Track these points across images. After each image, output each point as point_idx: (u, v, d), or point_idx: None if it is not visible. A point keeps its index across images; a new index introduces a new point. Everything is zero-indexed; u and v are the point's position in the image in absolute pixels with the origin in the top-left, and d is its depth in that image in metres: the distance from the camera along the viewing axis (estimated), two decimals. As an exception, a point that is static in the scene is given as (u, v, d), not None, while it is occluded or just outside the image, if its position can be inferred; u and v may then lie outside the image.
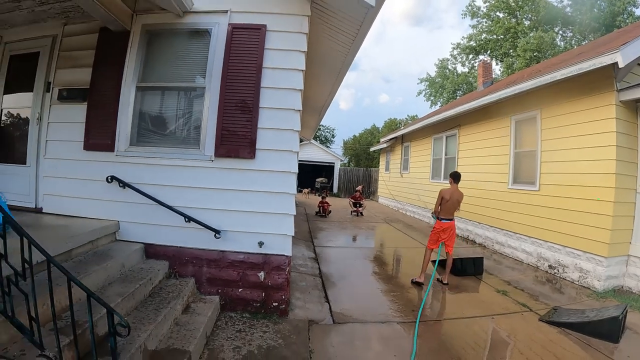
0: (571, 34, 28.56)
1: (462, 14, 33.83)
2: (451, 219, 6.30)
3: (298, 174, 4.59)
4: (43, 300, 2.46)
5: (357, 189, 17.12)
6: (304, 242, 9.02)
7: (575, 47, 22.58)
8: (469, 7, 32.84)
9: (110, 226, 4.49)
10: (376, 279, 6.54)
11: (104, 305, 2.26)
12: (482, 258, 7.21)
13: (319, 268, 6.77)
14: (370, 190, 26.69)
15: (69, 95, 4.86)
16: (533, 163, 8.00)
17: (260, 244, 4.47)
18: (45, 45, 5.12)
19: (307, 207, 17.10)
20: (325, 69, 7.31)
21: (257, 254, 4.51)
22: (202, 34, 4.73)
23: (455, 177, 6.52)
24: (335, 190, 28.98)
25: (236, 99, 4.45)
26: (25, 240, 2.33)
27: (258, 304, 4.52)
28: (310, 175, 28.90)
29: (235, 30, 4.54)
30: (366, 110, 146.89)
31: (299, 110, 4.57)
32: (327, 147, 40.14)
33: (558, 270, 7.06)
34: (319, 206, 14.87)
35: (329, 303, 5.11)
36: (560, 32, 29.24)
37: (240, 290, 4.52)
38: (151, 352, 3.09)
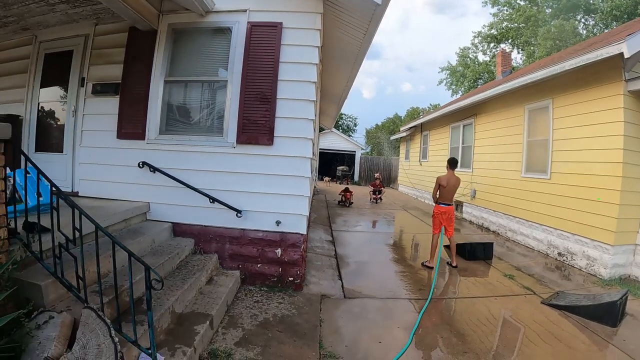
0: (593, 22, 27.94)
1: (483, 2, 33.24)
2: (449, 204, 6.55)
3: (319, 162, 4.92)
4: (87, 267, 2.87)
5: (375, 176, 17.26)
6: (323, 226, 9.41)
7: (598, 35, 22.17)
8: (490, -5, 32.37)
9: (141, 207, 4.94)
10: (389, 261, 6.89)
11: (142, 263, 2.64)
12: (492, 243, 7.41)
13: (335, 250, 7.15)
14: (390, 179, 26.81)
15: (102, 90, 5.31)
16: (545, 152, 8.08)
17: (278, 222, 4.88)
18: (78, 44, 5.56)
19: (327, 194, 17.47)
20: (340, 60, 7.63)
21: (274, 232, 4.92)
22: (223, 32, 5.11)
23: (452, 163, 6.73)
24: (356, 178, 29.17)
25: (256, 90, 4.85)
26: (76, 212, 2.76)
27: (275, 279, 4.94)
28: (332, 164, 29.19)
29: (254, 28, 4.91)
30: (389, 99, 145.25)
31: (313, 101, 4.94)
32: (349, 135, 40.23)
33: (567, 258, 7.16)
34: (340, 195, 14.38)
35: (341, 280, 5.49)
36: (583, 20, 28.65)
37: (259, 265, 4.95)
38: (178, 314, 3.53)
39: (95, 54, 5.48)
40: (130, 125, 5.13)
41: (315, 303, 4.59)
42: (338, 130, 34.42)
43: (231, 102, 4.93)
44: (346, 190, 14.36)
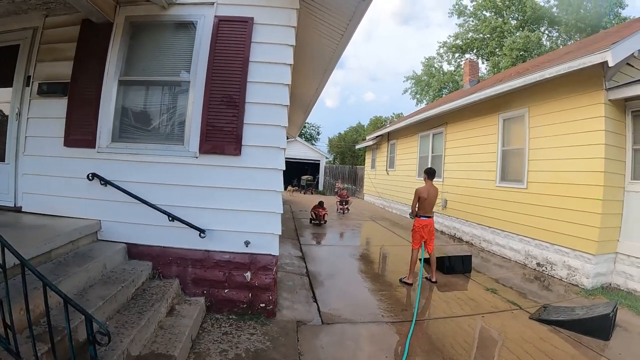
0: (557, 34, 28.78)
1: (449, 13, 33.80)
2: (430, 216, 6.22)
3: (283, 171, 4.45)
4: (19, 306, 2.34)
5: (337, 185, 16.74)
6: (290, 240, 8.91)
7: (561, 47, 22.78)
8: (456, 6, 32.81)
9: (91, 225, 4.32)
10: (364, 278, 6.47)
11: (82, 312, 2.13)
12: (470, 256, 7.20)
13: (306, 267, 6.67)
14: (355, 188, 26.67)
15: (49, 90, 4.66)
16: (521, 161, 8.00)
17: (247, 243, 4.33)
18: (26, 38, 4.90)
19: (292, 204, 16.97)
20: (313, 64, 7.22)
21: (243, 253, 4.36)
22: (187, 27, 4.57)
23: (430, 173, 6.39)
24: (320, 187, 28.97)
25: (222, 93, 4.31)
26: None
27: (245, 305, 4.38)
28: (296, 173, 28.86)
29: (221, 23, 4.40)
30: (352, 108, 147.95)
31: (287, 106, 4.43)
32: (313, 144, 40.06)
33: (546, 268, 7.05)
34: (313, 212, 12.14)
35: (317, 303, 5.01)
36: (546, 32, 29.46)
37: (226, 291, 4.38)
38: (135, 357, 2.96)
39: (43, 49, 4.82)
40: (80, 131, 4.50)
41: (291, 332, 4.08)
42: (301, 138, 34.16)
43: (194, 106, 4.36)
44: (320, 205, 12.22)
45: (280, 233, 4.42)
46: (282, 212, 4.38)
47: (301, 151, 29.62)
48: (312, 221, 12.12)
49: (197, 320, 3.90)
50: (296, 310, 4.72)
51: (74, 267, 3.46)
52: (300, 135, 34.36)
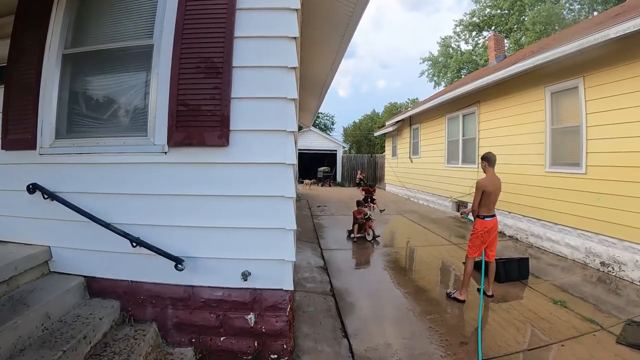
0: (579, 6, 27.13)
1: (464, -11, 32.51)
2: (494, 215, 4.94)
3: (298, 163, 3.16)
4: None
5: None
6: (309, 243, 7.69)
7: (583, 20, 21.36)
8: (471, -19, 31.56)
9: (37, 255, 3.17)
10: (403, 294, 5.17)
11: None
12: (527, 259, 5.96)
13: (330, 282, 5.41)
14: (376, 178, 25.49)
15: (-14, 78, 3.56)
16: (577, 141, 6.73)
17: (245, 275, 3.02)
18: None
19: (310, 199, 15.72)
20: (326, 31, 5.93)
21: (241, 289, 3.08)
22: (150, -26, 3.33)
23: (490, 160, 5.06)
24: (338, 179, 27.79)
25: (198, 57, 3.01)
26: None
27: (250, 357, 3.12)
28: (312, 164, 27.83)
29: (193, -39, 3.12)
30: (365, 96, 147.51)
31: (294, 68, 3.08)
32: (328, 134, 38.95)
33: (613, 269, 5.91)
34: (359, 218, 8.32)
35: (347, 338, 3.76)
36: (567, 4, 27.85)
37: (222, 339, 3.12)
38: None
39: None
40: (18, 129, 3.36)
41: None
42: (316, 128, 33.05)
43: (159, 78, 3.07)
44: (360, 211, 8.43)
45: (294, 259, 3.13)
46: (295, 228, 3.08)
47: (316, 141, 28.42)
48: (352, 234, 8.44)
49: (179, 389, 2.70)
50: (321, 353, 3.46)
51: (-10, 326, 2.32)
52: (314, 126, 33.23)
